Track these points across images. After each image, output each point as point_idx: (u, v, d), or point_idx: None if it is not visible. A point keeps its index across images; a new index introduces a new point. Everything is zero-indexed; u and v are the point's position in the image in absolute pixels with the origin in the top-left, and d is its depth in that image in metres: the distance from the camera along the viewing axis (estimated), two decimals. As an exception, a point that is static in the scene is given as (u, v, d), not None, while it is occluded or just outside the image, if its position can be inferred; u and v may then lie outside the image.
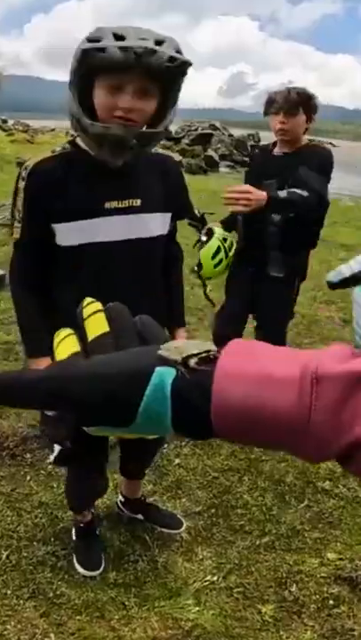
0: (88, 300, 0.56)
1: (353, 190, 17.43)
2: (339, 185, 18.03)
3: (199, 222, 3.36)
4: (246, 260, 3.14)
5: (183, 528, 2.48)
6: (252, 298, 3.21)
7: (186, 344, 0.49)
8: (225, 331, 3.23)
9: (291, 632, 2.06)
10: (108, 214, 1.71)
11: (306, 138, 3.12)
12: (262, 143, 22.54)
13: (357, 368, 0.43)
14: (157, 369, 0.47)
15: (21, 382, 0.49)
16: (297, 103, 2.91)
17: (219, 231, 3.18)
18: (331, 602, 2.19)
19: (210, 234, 3.20)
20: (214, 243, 3.14)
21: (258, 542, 2.48)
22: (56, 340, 0.54)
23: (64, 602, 2.13)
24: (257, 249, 3.06)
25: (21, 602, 2.11)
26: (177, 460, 2.98)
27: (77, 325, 0.55)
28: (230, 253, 3.16)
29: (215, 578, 2.28)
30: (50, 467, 2.79)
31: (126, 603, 2.14)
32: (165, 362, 0.47)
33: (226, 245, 3.14)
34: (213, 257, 3.15)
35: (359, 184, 19.39)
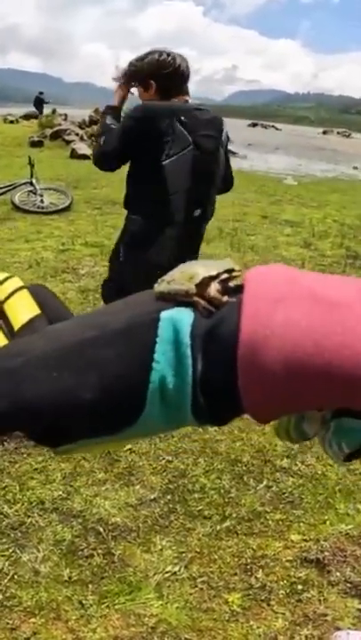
0: (2, 274, 0.38)
1: (296, 170, 17.84)
2: (283, 166, 18.46)
3: None
4: None
5: None
6: None
7: (196, 265, 0.32)
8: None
9: (261, 621, 1.95)
10: None
11: None
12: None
13: None
14: (163, 314, 0.29)
15: None
16: (126, 77, 2.83)
17: None
18: (299, 586, 2.09)
19: None
20: None
21: (218, 527, 2.35)
22: None
23: (15, 604, 1.95)
24: None
25: (-34, 608, 1.93)
26: (128, 445, 2.83)
27: None
28: None
29: (177, 568, 2.14)
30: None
31: (84, 601, 1.98)
32: (172, 299, 0.30)
33: None
34: None
35: (300, 164, 20.00)
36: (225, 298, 0.29)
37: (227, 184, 3.08)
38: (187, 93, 2.82)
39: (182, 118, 2.63)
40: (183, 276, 0.30)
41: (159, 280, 0.32)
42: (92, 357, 0.29)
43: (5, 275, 0.38)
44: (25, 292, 0.36)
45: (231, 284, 0.31)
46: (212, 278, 0.30)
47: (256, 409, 0.29)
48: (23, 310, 0.35)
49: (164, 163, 2.65)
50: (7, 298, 0.36)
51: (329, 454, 0.33)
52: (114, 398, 0.28)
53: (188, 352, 0.28)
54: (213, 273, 0.30)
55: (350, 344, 0.27)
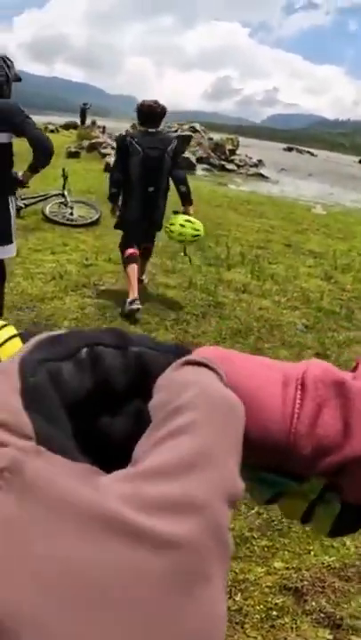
0: (1, 322, 0.49)
1: (326, 198, 17.60)
2: (314, 194, 18.26)
3: None
4: None
5: None
6: None
7: None
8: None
9: (233, 643, 2.04)
10: None
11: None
12: (241, 147, 22.65)
13: (342, 375, 0.37)
14: None
15: None
16: None
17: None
18: (275, 612, 2.17)
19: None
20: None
21: (205, 549, 2.44)
22: None
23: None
24: None
25: None
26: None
27: None
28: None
29: (160, 585, 2.23)
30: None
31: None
32: None
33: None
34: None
35: (332, 192, 19.63)
36: None
37: (174, 176, 5.31)
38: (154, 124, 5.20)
39: (135, 139, 5.06)
40: None
41: None
42: None
43: (2, 323, 0.48)
44: (17, 340, 0.46)
45: None
46: None
47: None
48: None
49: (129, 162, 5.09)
50: (3, 343, 0.46)
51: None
52: None
53: None
54: None
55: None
